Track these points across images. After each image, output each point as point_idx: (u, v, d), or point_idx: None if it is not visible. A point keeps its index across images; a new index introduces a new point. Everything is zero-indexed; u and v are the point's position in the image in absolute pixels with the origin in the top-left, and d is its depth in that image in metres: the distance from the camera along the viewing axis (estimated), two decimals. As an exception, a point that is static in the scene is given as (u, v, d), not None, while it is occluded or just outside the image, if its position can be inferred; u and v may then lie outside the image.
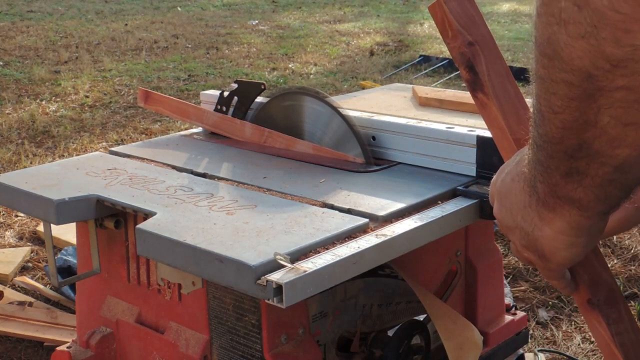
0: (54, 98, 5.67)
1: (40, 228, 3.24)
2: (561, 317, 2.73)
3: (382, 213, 1.45)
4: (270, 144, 1.90)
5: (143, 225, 1.40)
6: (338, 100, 1.91)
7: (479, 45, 1.14)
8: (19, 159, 4.26)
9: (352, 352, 1.63)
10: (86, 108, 5.45)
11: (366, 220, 1.42)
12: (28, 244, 3.29)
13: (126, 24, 9.13)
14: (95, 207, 1.58)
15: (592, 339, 2.52)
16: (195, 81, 6.31)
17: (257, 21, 9.47)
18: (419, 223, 1.43)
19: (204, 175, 1.71)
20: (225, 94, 2.01)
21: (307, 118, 1.87)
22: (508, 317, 1.95)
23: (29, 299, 2.77)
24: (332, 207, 1.49)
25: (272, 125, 1.91)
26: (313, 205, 1.50)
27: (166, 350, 1.62)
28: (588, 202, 0.82)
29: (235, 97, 1.99)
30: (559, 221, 0.87)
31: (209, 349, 1.55)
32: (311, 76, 6.54)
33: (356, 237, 1.36)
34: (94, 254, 1.69)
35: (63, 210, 1.55)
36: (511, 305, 2.01)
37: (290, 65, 6.92)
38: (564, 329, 2.66)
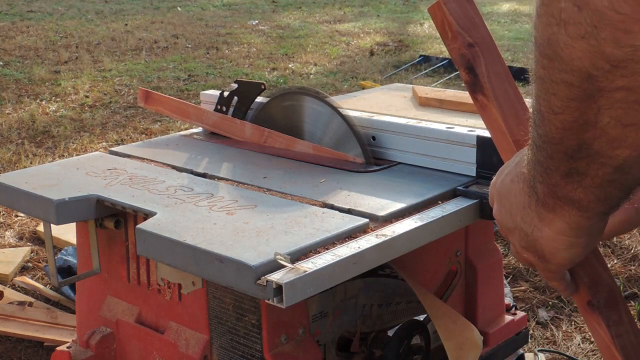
0: (54, 98, 5.67)
1: (40, 228, 3.24)
2: (561, 317, 2.73)
3: (382, 213, 1.45)
4: (270, 144, 1.90)
5: (143, 225, 1.40)
6: (338, 100, 1.91)
7: (479, 46, 1.14)
8: (19, 159, 4.26)
9: (352, 352, 1.63)
10: (86, 108, 5.45)
11: (366, 220, 1.42)
12: (28, 244, 3.29)
13: (126, 24, 9.13)
14: (95, 207, 1.58)
15: (592, 339, 2.52)
16: (195, 81, 6.31)
17: (257, 21, 9.47)
18: (419, 223, 1.43)
19: (204, 175, 1.71)
20: (225, 94, 2.01)
21: (307, 118, 1.87)
22: (508, 317, 1.95)
23: (29, 299, 2.77)
24: (332, 207, 1.49)
25: (272, 125, 1.92)
26: (313, 205, 1.50)
27: (166, 350, 1.62)
28: (588, 203, 0.82)
29: (235, 97, 1.99)
30: (559, 222, 0.87)
31: (209, 349, 1.55)
32: (311, 76, 6.54)
33: (356, 237, 1.36)
34: (94, 254, 1.69)
35: (63, 210, 1.55)
36: (511, 305, 2.01)
37: (290, 65, 6.92)
38: (564, 329, 2.66)
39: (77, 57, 7.12)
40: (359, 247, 1.31)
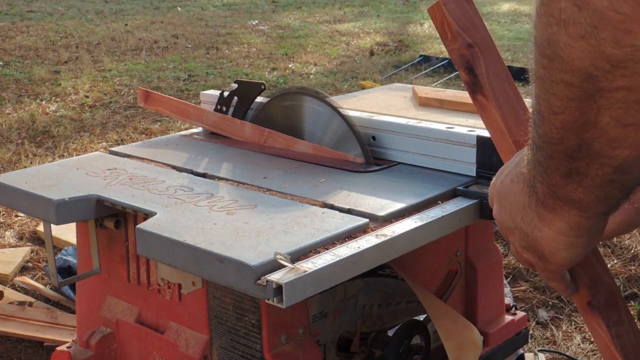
0: (54, 98, 5.67)
1: (40, 228, 3.24)
2: (561, 317, 2.73)
3: (382, 213, 1.45)
4: (270, 144, 1.90)
5: (143, 225, 1.40)
6: (338, 100, 1.91)
7: (478, 47, 1.14)
8: (19, 159, 4.26)
9: (352, 352, 1.63)
10: (86, 108, 5.45)
11: (366, 220, 1.42)
12: (28, 244, 3.29)
13: (126, 24, 9.13)
14: (95, 207, 1.58)
15: (592, 339, 2.52)
16: (195, 81, 6.31)
17: (257, 21, 9.47)
18: (419, 223, 1.43)
19: (204, 175, 1.71)
20: (225, 94, 2.01)
21: (307, 118, 1.87)
22: (508, 317, 1.95)
23: (29, 299, 2.77)
24: (332, 207, 1.49)
25: (272, 125, 1.92)
26: (313, 205, 1.50)
27: (166, 350, 1.62)
28: (588, 203, 0.81)
29: (235, 97, 1.99)
30: (559, 222, 0.87)
31: (209, 349, 1.55)
32: (311, 76, 6.54)
33: (356, 237, 1.36)
34: (94, 254, 1.69)
35: (63, 210, 1.55)
36: (511, 305, 2.01)
37: (290, 65, 6.92)
38: (564, 329, 2.66)
39: (77, 57, 7.12)
40: (359, 247, 1.31)
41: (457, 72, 1.13)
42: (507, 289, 2.60)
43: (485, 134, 1.58)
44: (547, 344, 2.57)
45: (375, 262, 1.35)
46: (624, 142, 0.72)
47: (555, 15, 0.68)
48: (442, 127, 1.73)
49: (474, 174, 1.64)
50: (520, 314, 2.00)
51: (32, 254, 3.18)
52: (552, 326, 2.67)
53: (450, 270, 1.81)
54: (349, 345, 1.63)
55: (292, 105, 1.90)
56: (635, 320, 1.05)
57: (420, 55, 6.97)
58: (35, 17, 9.54)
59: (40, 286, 2.86)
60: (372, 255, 1.32)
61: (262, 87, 1.97)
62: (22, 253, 3.13)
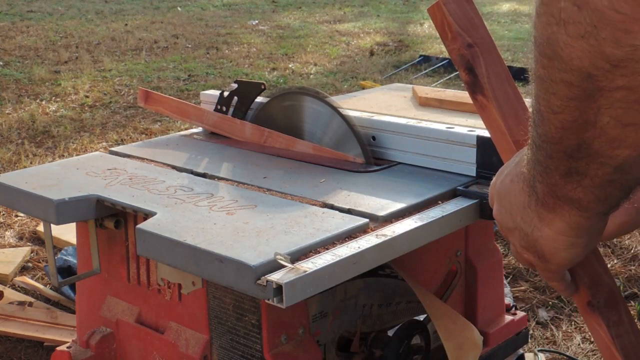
0: (54, 98, 5.67)
1: (40, 228, 3.24)
2: (561, 317, 2.73)
3: (382, 213, 1.45)
4: (270, 144, 1.90)
5: (143, 225, 1.40)
6: (338, 100, 1.91)
7: (479, 47, 1.14)
8: (19, 159, 4.26)
9: (352, 352, 1.63)
10: (86, 108, 5.45)
11: (366, 220, 1.42)
12: (28, 244, 3.29)
13: (126, 24, 9.13)
14: (95, 207, 1.58)
15: (592, 339, 2.52)
16: (195, 81, 6.31)
17: (257, 21, 9.47)
18: (419, 223, 1.43)
19: (204, 175, 1.71)
20: (225, 94, 2.01)
21: (307, 118, 1.87)
22: (508, 317, 1.95)
23: (29, 299, 2.77)
24: (332, 207, 1.49)
25: (272, 125, 1.92)
26: (313, 205, 1.50)
27: (166, 350, 1.62)
28: (588, 203, 0.81)
29: (235, 97, 1.99)
30: (559, 222, 0.87)
31: (209, 349, 1.55)
32: (311, 76, 6.54)
33: (356, 237, 1.36)
34: (94, 254, 1.69)
35: (63, 210, 1.55)
36: (511, 305, 2.01)
37: (290, 65, 6.92)
38: (564, 329, 2.66)
39: (77, 57, 7.12)
40: (359, 247, 1.31)
41: (457, 72, 1.13)
42: (507, 289, 2.60)
43: (485, 134, 1.58)
44: (547, 344, 2.57)
45: (375, 262, 1.35)
46: (623, 142, 0.72)
47: (555, 15, 0.68)
48: (442, 127, 1.73)
49: (474, 174, 1.64)
50: (520, 314, 2.00)
51: (32, 254, 3.18)
52: (552, 326, 2.67)
53: (450, 270, 1.81)
54: (349, 345, 1.63)
55: (292, 105, 1.90)
56: (635, 320, 1.05)
57: (420, 55, 6.97)
58: (35, 17, 9.54)
59: (40, 286, 2.86)
60: (372, 255, 1.32)
61: (262, 87, 1.97)
62: (22, 253, 3.13)
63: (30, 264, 3.10)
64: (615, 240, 3.19)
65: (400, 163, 1.76)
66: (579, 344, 2.55)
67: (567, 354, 2.50)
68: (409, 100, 2.12)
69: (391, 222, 1.43)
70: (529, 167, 0.87)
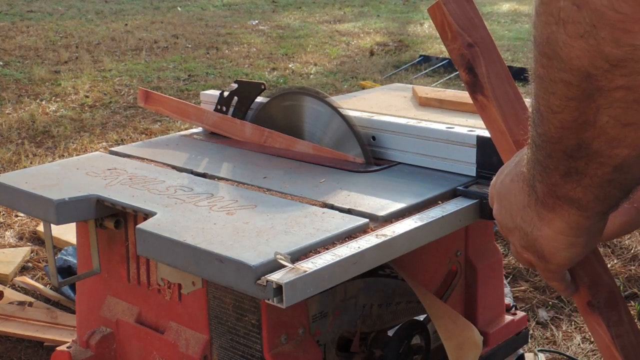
0: (54, 98, 5.67)
1: (40, 228, 3.24)
2: (561, 317, 2.73)
3: (382, 213, 1.45)
4: (270, 144, 1.90)
5: (143, 225, 1.40)
6: (338, 100, 1.91)
7: (479, 47, 1.14)
8: (19, 159, 4.26)
9: (352, 352, 1.63)
10: (86, 108, 5.45)
11: (366, 220, 1.42)
12: (28, 244, 3.29)
13: (126, 24, 9.13)
14: (95, 207, 1.58)
15: (592, 339, 2.52)
16: (195, 81, 6.31)
17: (257, 21, 9.47)
18: (419, 223, 1.43)
19: (204, 175, 1.71)
20: (225, 94, 2.01)
21: (307, 118, 1.87)
22: (508, 317, 1.95)
23: (29, 299, 2.77)
24: (332, 207, 1.49)
25: (272, 125, 1.92)
26: (313, 205, 1.50)
27: (166, 350, 1.62)
28: (587, 202, 0.81)
29: (235, 97, 1.99)
30: (558, 221, 0.87)
31: (209, 349, 1.55)
32: (311, 76, 6.54)
33: (356, 237, 1.36)
34: (94, 254, 1.69)
35: (63, 210, 1.55)
36: (511, 305, 2.01)
37: (290, 65, 6.92)
38: (564, 329, 2.66)
39: (77, 57, 7.12)
40: (359, 247, 1.31)
41: (457, 72, 1.13)
42: (507, 289, 2.60)
43: (485, 134, 1.58)
44: (547, 344, 2.57)
45: (375, 262, 1.35)
46: (622, 142, 0.72)
47: (555, 14, 0.68)
48: (442, 127, 1.73)
49: (474, 174, 1.64)
50: (520, 314, 2.00)
51: (32, 254, 3.18)
52: (552, 326, 2.67)
53: (450, 270, 1.81)
54: (349, 345, 1.63)
55: (292, 105, 1.90)
56: (635, 320, 1.05)
57: (420, 55, 6.97)
58: (35, 17, 9.54)
59: (40, 286, 2.86)
60: (372, 255, 1.32)
61: (262, 87, 1.97)
62: (22, 253, 3.13)
63: (30, 264, 3.10)
64: (615, 240, 3.19)
65: (400, 163, 1.76)
66: (579, 344, 2.55)
67: (567, 354, 2.50)
68: (409, 100, 2.12)
69: (391, 222, 1.43)
70: (529, 167, 0.87)
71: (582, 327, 2.64)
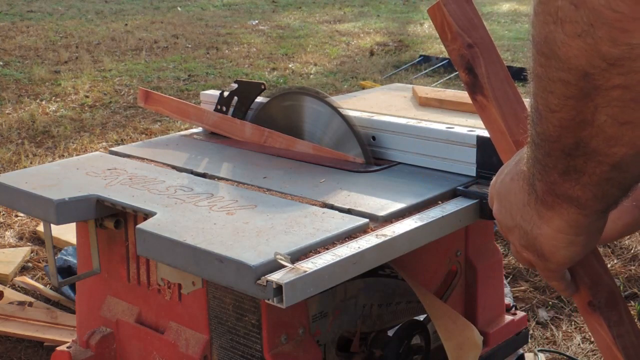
0: (54, 98, 5.67)
1: (40, 228, 3.24)
2: (561, 317, 2.73)
3: (382, 213, 1.45)
4: (270, 144, 1.90)
5: (143, 225, 1.40)
6: (338, 100, 1.91)
7: (478, 47, 1.14)
8: (19, 159, 4.26)
9: (352, 352, 1.63)
10: (86, 108, 5.45)
11: (366, 220, 1.42)
12: (28, 244, 3.30)
13: (126, 24, 9.13)
14: (95, 207, 1.58)
15: (592, 339, 2.52)
16: (195, 81, 6.31)
17: (257, 21, 9.47)
18: (419, 223, 1.43)
19: (204, 175, 1.71)
20: (225, 94, 2.01)
21: (307, 118, 1.87)
22: (508, 317, 1.95)
23: (29, 299, 2.77)
24: (332, 207, 1.49)
25: (272, 125, 1.92)
26: (313, 205, 1.50)
27: (166, 350, 1.62)
28: (586, 201, 0.82)
29: (235, 97, 1.99)
30: (558, 219, 0.87)
31: (209, 349, 1.55)
32: (311, 76, 6.54)
33: (356, 237, 1.36)
34: (94, 254, 1.69)
35: (63, 210, 1.55)
36: (511, 305, 2.01)
37: (290, 65, 6.92)
38: (564, 329, 2.66)
39: (77, 57, 7.12)
40: (359, 247, 1.31)
41: (457, 72, 1.13)
42: (507, 289, 2.60)
43: (485, 134, 1.58)
44: (547, 344, 2.58)
45: (375, 262, 1.35)
46: (620, 140, 0.72)
47: (552, 14, 0.68)
48: (442, 127, 1.73)
49: (474, 174, 1.64)
50: (520, 314, 2.00)
51: (32, 254, 3.18)
52: (552, 326, 2.67)
53: (450, 270, 1.81)
54: (349, 345, 1.63)
55: (292, 105, 1.90)
56: (636, 320, 1.05)
57: (420, 55, 6.97)
58: (35, 17, 9.54)
59: (40, 286, 2.86)
60: (372, 255, 1.32)
61: (262, 87, 1.97)
62: (22, 253, 3.13)
63: (30, 264, 3.10)
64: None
65: (400, 163, 1.76)
66: (579, 344, 2.55)
67: (567, 354, 2.50)
68: (409, 100, 2.12)
69: (391, 222, 1.43)
70: (529, 165, 0.87)
71: (582, 327, 2.64)
